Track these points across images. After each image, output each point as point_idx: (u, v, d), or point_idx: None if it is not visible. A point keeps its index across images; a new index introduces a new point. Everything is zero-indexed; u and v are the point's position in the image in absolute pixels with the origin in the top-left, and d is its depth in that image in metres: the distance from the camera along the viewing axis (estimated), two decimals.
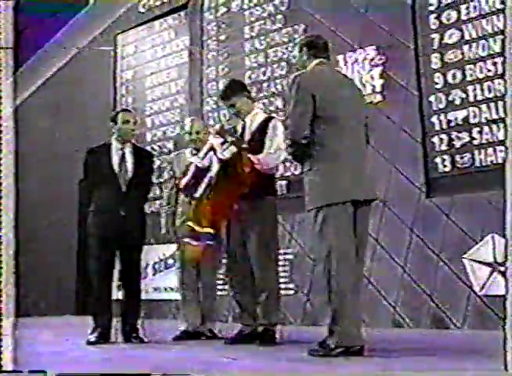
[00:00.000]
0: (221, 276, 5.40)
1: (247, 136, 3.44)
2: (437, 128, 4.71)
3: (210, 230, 3.20)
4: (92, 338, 3.55)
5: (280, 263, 4.08)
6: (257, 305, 3.37)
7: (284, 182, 5.45)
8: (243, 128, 3.49)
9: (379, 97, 5.06)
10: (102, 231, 3.65)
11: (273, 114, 3.71)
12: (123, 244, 3.67)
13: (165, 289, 4.19)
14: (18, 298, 2.16)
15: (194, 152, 4.03)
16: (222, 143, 3.32)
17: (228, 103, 3.51)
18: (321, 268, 2.72)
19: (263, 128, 3.42)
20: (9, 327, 2.13)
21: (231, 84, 3.66)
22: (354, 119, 2.83)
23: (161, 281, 5.18)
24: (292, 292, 5.09)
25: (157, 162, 5.71)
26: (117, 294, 3.78)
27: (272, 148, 3.34)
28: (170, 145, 6.78)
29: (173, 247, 4.29)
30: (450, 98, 4.67)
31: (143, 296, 3.90)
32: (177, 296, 4.09)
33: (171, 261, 5.51)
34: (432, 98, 4.77)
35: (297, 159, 2.92)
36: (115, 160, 3.70)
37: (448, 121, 4.66)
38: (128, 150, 3.75)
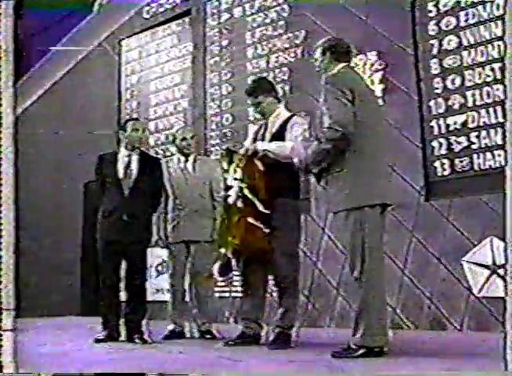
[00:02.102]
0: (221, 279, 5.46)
1: (268, 136, 3.42)
2: (436, 132, 4.77)
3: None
4: (100, 336, 3.70)
5: None
6: (279, 307, 3.32)
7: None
8: (265, 129, 3.48)
9: (379, 101, 5.12)
10: (107, 234, 3.79)
11: (297, 112, 3.69)
12: (127, 247, 3.76)
13: (168, 291, 4.26)
14: (18, 297, 2.19)
15: (182, 158, 4.13)
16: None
17: (255, 100, 3.47)
18: (354, 269, 2.71)
19: (284, 127, 3.39)
20: (9, 327, 2.16)
21: (260, 83, 3.64)
22: (379, 122, 2.88)
23: (164, 283, 5.22)
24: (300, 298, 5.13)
25: None
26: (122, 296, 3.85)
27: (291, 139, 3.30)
28: (173, 148, 6.83)
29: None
30: (449, 103, 4.73)
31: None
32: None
33: None
34: (431, 103, 4.83)
35: (333, 156, 2.74)
36: (120, 166, 3.82)
37: (448, 126, 4.71)
38: (134, 157, 3.85)
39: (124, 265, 3.84)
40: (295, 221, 3.39)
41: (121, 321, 3.79)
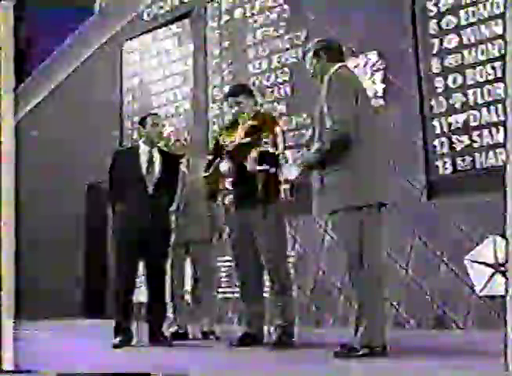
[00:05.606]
0: (225, 279, 5.47)
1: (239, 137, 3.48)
2: (437, 131, 4.77)
3: None
4: (117, 341, 3.51)
5: None
6: (277, 305, 3.34)
7: (287, 186, 5.50)
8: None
9: (381, 101, 5.13)
10: (128, 233, 3.59)
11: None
12: (149, 246, 3.60)
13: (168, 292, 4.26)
14: (17, 298, 2.20)
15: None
16: None
17: (236, 99, 3.53)
18: (351, 265, 2.71)
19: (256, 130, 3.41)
20: (9, 328, 2.17)
21: (240, 85, 3.96)
22: (376, 121, 2.90)
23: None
24: (295, 294, 5.14)
25: None
26: (138, 297, 3.78)
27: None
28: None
29: None
30: (450, 101, 4.72)
31: None
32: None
33: None
34: (433, 102, 4.82)
35: (333, 157, 2.73)
36: (143, 162, 3.69)
37: (449, 125, 4.71)
38: (155, 153, 3.74)
39: (142, 265, 3.70)
40: (280, 218, 3.52)
41: (134, 324, 3.67)
